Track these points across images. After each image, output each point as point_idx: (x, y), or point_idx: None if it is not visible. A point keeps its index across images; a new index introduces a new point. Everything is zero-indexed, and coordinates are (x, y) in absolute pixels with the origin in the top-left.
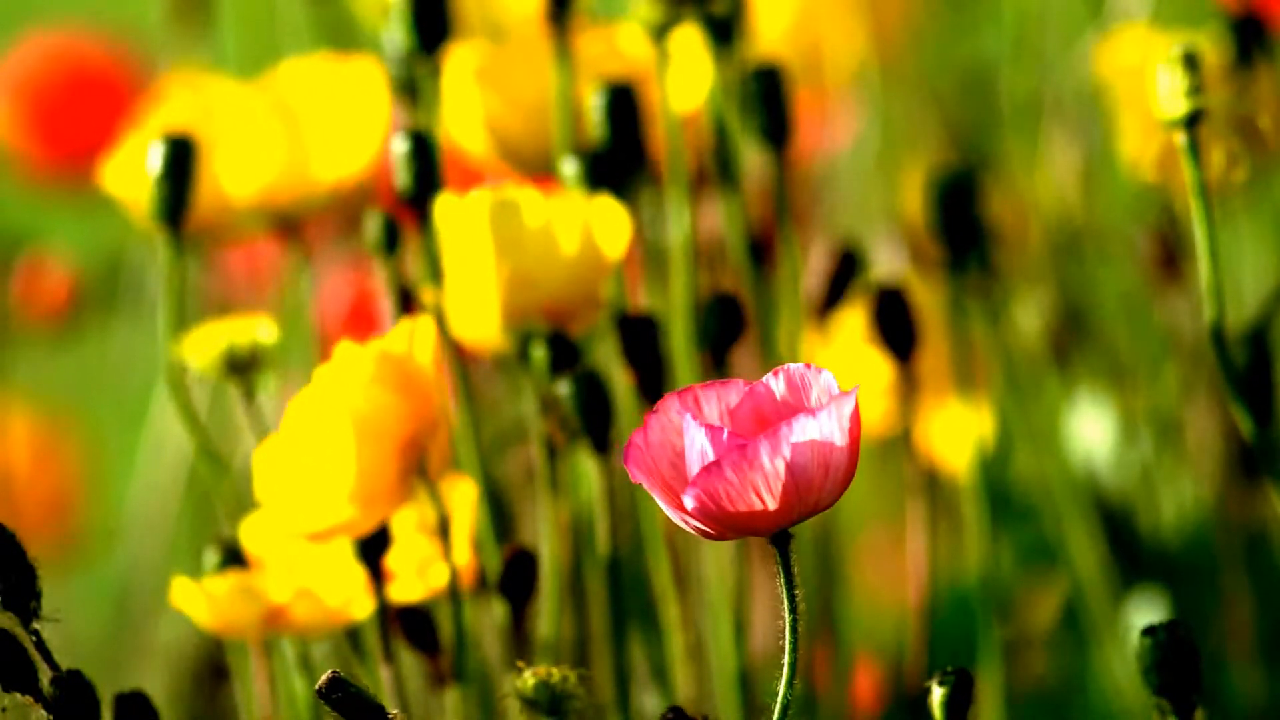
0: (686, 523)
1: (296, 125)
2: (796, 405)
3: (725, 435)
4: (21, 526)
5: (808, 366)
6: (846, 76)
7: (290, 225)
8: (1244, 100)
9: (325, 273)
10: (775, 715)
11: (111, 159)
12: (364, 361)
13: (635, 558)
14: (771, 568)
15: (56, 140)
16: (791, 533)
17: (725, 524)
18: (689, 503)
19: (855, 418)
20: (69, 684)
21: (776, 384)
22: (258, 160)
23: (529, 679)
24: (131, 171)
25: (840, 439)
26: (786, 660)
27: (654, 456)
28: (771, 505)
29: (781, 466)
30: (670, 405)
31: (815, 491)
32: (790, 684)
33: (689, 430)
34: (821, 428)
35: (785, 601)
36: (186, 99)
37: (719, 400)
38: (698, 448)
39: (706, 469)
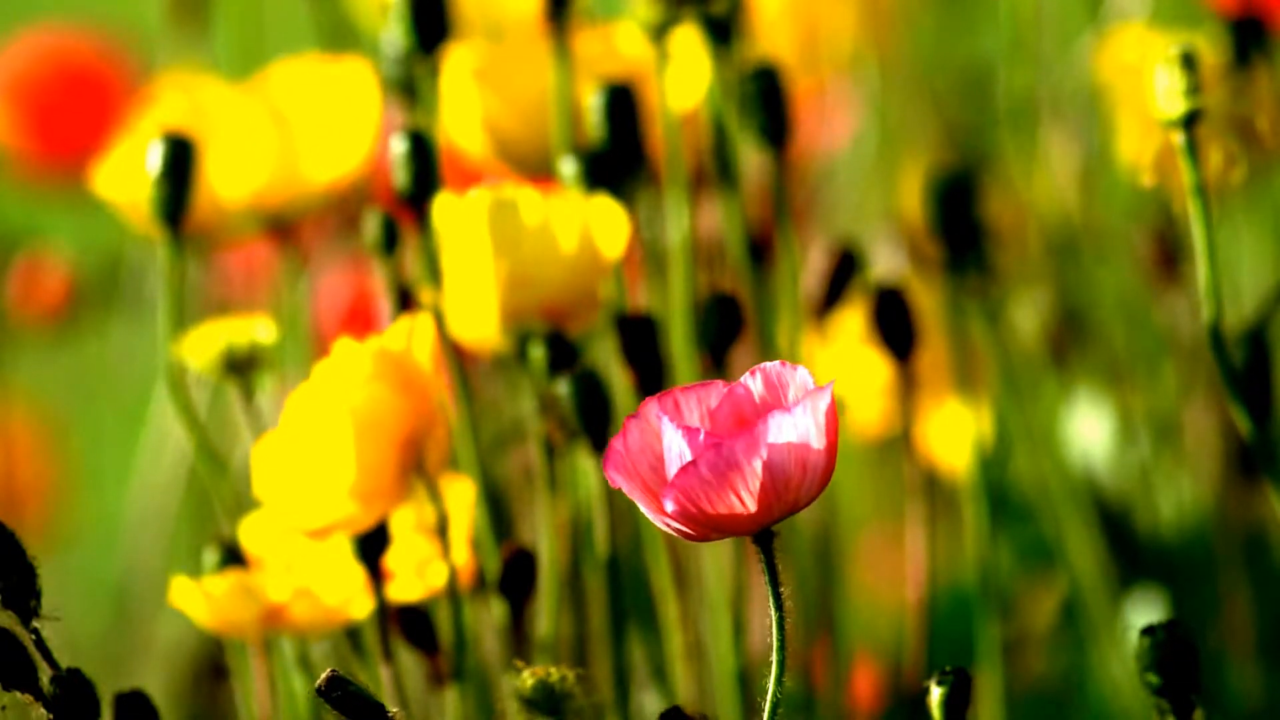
0: (668, 526)
1: (288, 127)
2: (775, 404)
3: (701, 436)
4: (21, 525)
5: (784, 364)
6: (845, 76)
7: (284, 227)
8: (1242, 100)
9: (323, 273)
10: (766, 712)
11: (104, 162)
12: (362, 358)
13: (634, 557)
14: (780, 579)
15: (53, 139)
16: (775, 531)
17: (706, 525)
18: (668, 505)
19: (832, 413)
20: (69, 683)
21: (754, 384)
22: (250, 162)
23: (527, 679)
24: (124, 174)
25: (816, 435)
26: (775, 658)
27: (634, 461)
28: (750, 504)
29: (759, 466)
30: (650, 409)
31: (794, 490)
32: (780, 681)
33: (667, 433)
34: (797, 425)
35: (771, 600)
36: (178, 101)
37: (699, 403)
38: (675, 450)
39: (683, 470)
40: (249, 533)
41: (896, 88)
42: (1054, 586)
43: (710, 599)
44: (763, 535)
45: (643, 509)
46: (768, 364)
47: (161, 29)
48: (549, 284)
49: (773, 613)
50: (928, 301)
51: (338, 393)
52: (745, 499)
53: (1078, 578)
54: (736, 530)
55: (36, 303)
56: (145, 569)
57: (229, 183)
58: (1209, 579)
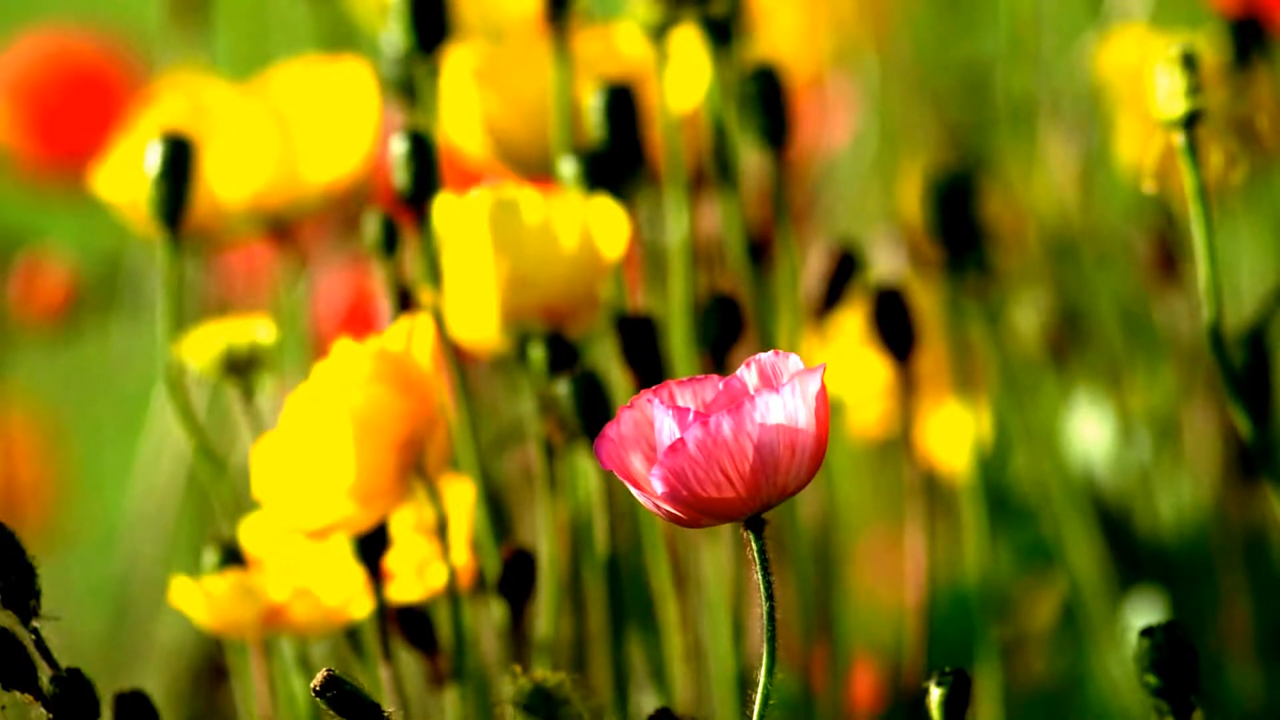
0: (659, 509)
1: (287, 128)
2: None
3: (691, 415)
4: (21, 526)
5: (777, 354)
6: (845, 76)
7: (283, 227)
8: (1242, 101)
9: (323, 273)
10: (757, 706)
11: (104, 163)
12: (362, 359)
13: (634, 558)
14: (771, 569)
15: (54, 140)
16: (766, 519)
17: (695, 508)
18: (657, 486)
19: (822, 396)
20: (69, 683)
21: (749, 375)
22: (249, 163)
23: (524, 683)
24: (123, 176)
25: (805, 417)
26: (765, 649)
27: (628, 448)
28: (739, 486)
29: (747, 445)
30: (643, 397)
31: (783, 472)
32: (770, 673)
33: (658, 416)
34: (786, 405)
35: (762, 589)
36: (178, 102)
37: (695, 395)
38: (665, 431)
39: (671, 447)
40: (249, 533)
41: (896, 88)
42: (1053, 587)
43: (710, 600)
44: (754, 521)
45: (636, 495)
46: (762, 355)
47: (162, 29)
48: (549, 284)
49: (763, 602)
50: (928, 302)
51: (337, 393)
52: (734, 479)
53: (1077, 578)
54: (727, 514)
55: (36, 303)
56: (145, 569)
57: (229, 183)
58: (1209, 580)
